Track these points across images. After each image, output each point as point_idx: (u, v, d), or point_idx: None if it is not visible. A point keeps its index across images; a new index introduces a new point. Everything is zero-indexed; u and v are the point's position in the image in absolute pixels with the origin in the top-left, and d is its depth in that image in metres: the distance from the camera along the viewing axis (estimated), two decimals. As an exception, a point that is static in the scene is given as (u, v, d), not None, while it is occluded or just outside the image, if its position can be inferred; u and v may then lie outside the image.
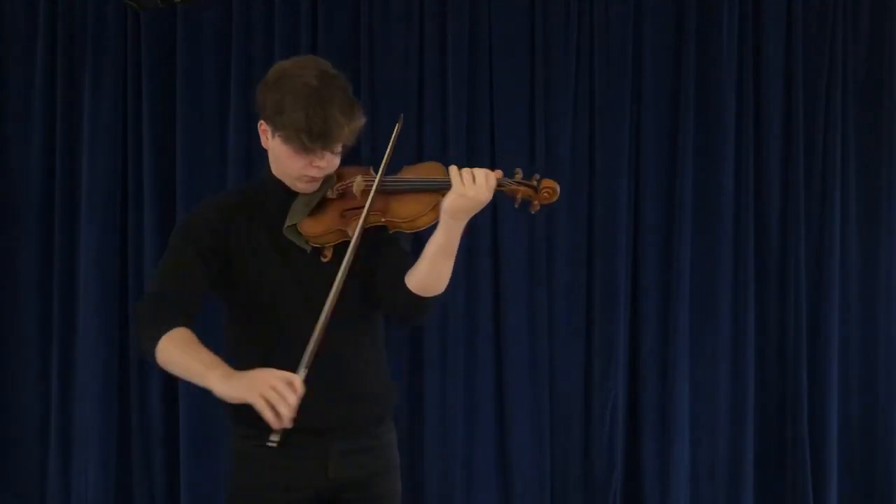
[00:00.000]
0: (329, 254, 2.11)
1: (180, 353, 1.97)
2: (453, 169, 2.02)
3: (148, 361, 3.61)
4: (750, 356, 3.79)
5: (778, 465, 3.84)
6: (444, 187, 2.03)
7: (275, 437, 1.88)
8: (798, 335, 3.79)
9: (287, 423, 1.85)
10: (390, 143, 2.11)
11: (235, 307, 2.16)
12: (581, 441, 3.79)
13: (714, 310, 3.79)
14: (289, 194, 2.13)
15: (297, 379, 1.88)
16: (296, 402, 1.85)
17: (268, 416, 1.83)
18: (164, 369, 2.02)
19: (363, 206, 2.05)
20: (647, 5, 3.75)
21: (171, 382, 3.65)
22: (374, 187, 2.06)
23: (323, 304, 2.00)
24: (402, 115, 2.15)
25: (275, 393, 1.84)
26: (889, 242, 3.87)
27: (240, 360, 2.15)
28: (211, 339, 3.64)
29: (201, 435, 3.60)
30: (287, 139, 2.02)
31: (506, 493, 3.77)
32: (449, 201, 1.99)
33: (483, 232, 3.70)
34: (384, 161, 2.08)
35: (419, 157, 3.61)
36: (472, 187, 1.98)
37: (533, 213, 2.10)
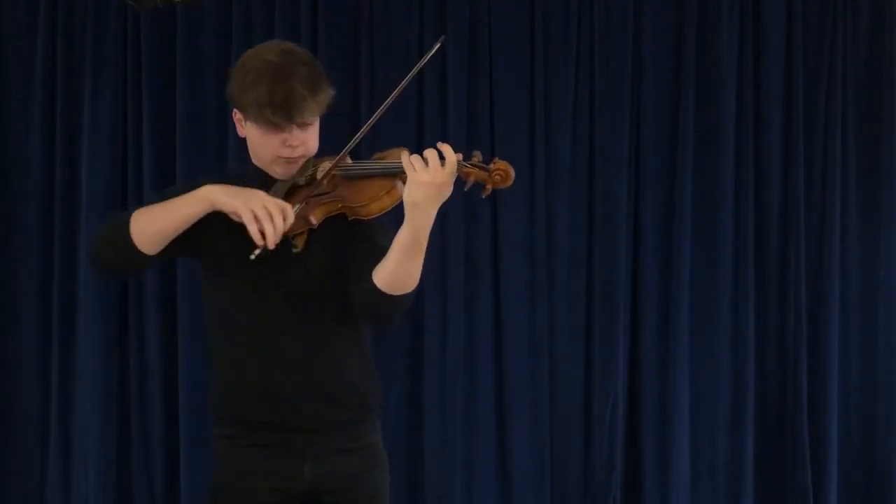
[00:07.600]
0: (300, 243, 2.05)
1: (160, 206, 2.02)
2: (404, 155, 1.91)
3: (146, 361, 3.66)
4: (750, 356, 3.79)
5: (778, 465, 3.84)
6: (397, 171, 1.94)
7: (256, 252, 1.92)
8: (798, 335, 3.78)
9: (270, 244, 1.90)
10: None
11: (210, 290, 2.14)
12: (581, 441, 3.79)
13: (714, 310, 3.79)
14: (266, 183, 2.09)
15: (290, 209, 1.93)
16: (282, 228, 1.90)
17: (252, 229, 1.90)
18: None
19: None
20: (647, 5, 3.75)
21: (172, 383, 3.66)
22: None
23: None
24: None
25: (265, 211, 1.91)
26: (889, 243, 3.86)
27: (214, 344, 2.15)
28: (196, 327, 3.61)
29: (201, 435, 3.58)
30: (254, 118, 2.01)
31: (506, 494, 3.77)
32: (407, 192, 1.88)
33: (483, 232, 3.70)
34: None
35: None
36: (424, 171, 1.86)
37: (484, 196, 1.96)
